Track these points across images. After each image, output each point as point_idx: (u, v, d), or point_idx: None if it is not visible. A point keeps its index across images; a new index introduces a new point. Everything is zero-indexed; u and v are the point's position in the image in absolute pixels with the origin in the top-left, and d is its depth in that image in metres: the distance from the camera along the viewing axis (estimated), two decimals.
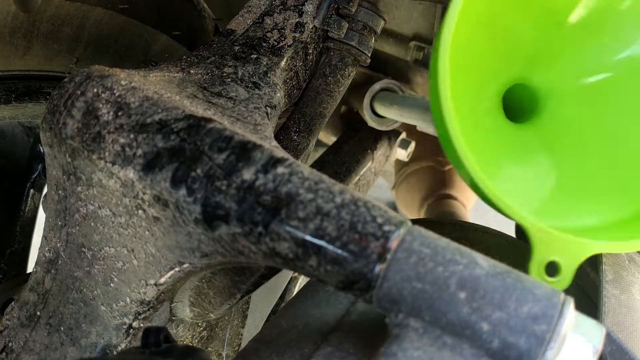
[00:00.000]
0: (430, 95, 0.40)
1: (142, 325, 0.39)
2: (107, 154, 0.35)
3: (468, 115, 0.47)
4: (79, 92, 0.36)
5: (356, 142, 0.82)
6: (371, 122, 0.72)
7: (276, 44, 0.48)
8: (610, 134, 0.49)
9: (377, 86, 0.70)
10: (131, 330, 0.39)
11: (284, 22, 0.49)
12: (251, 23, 0.49)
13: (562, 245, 0.40)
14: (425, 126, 0.58)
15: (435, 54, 0.39)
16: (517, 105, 0.53)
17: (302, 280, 0.81)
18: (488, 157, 0.48)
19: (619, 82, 0.48)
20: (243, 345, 0.62)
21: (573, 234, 0.40)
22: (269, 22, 0.49)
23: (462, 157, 0.37)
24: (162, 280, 0.37)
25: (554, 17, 0.47)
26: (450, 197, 1.15)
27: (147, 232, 0.36)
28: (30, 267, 0.71)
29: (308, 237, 0.30)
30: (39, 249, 0.41)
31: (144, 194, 0.34)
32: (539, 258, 0.39)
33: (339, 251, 0.29)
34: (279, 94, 0.45)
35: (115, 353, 0.39)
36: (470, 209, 1.20)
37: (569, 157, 0.49)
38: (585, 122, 0.49)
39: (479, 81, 0.48)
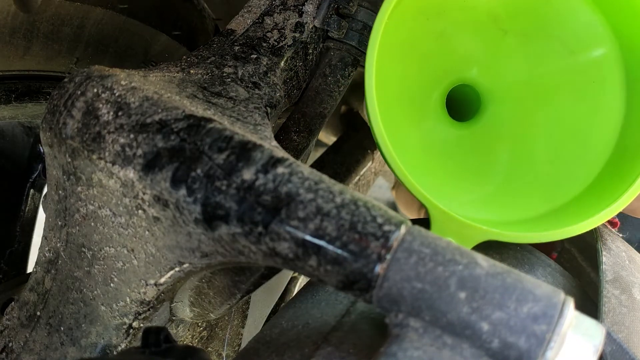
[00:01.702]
0: (365, 94, 0.41)
1: (142, 325, 0.39)
2: (107, 154, 0.35)
3: (412, 117, 0.48)
4: (79, 92, 0.36)
5: (356, 142, 0.82)
6: None
7: (276, 44, 0.48)
8: (545, 133, 0.50)
9: None
10: (131, 330, 0.39)
11: (284, 22, 0.49)
12: (251, 23, 0.49)
13: (458, 227, 0.40)
14: None
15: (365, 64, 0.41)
16: (461, 105, 0.54)
17: (302, 280, 0.81)
18: (432, 158, 0.49)
19: (558, 82, 0.50)
20: (243, 345, 0.62)
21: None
22: (269, 22, 0.49)
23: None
24: (162, 280, 0.37)
25: (496, 24, 0.48)
26: None
27: (147, 232, 0.36)
28: (30, 267, 0.71)
29: (308, 237, 0.30)
30: (39, 249, 0.41)
31: (144, 194, 0.34)
32: None
33: (339, 251, 0.29)
34: (279, 94, 0.45)
35: (115, 353, 0.39)
36: None
37: (507, 154, 0.50)
38: (521, 122, 0.51)
39: (422, 84, 0.49)
